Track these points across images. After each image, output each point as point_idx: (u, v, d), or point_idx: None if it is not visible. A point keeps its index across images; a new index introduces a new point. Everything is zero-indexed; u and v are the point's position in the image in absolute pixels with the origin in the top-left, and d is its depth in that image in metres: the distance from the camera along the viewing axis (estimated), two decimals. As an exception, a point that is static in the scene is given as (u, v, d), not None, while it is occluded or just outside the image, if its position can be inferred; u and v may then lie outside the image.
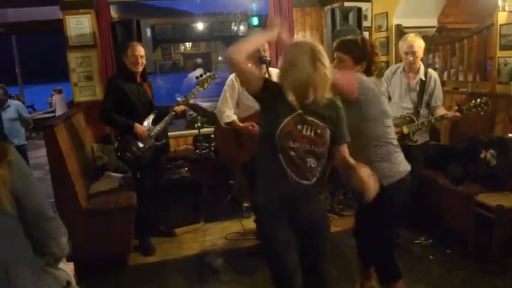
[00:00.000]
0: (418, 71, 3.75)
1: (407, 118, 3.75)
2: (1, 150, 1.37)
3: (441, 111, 3.69)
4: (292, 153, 1.99)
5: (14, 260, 1.39)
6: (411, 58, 3.67)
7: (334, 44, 2.48)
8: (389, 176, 2.43)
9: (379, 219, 2.53)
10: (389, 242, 2.69)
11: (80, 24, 5.07)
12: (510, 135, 3.58)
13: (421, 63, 3.77)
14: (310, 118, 2.02)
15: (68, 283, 1.62)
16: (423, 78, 3.73)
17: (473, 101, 3.48)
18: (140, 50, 3.78)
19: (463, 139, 4.09)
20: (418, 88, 3.74)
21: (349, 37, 2.52)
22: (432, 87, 3.75)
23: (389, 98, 3.97)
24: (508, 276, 3.19)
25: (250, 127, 3.69)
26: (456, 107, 3.57)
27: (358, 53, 2.40)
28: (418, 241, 3.82)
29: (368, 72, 2.44)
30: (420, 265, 3.45)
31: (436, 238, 3.82)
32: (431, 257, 3.57)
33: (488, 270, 3.28)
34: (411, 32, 4.29)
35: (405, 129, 3.74)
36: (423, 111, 3.77)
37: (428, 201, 4.04)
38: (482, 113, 3.49)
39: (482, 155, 3.63)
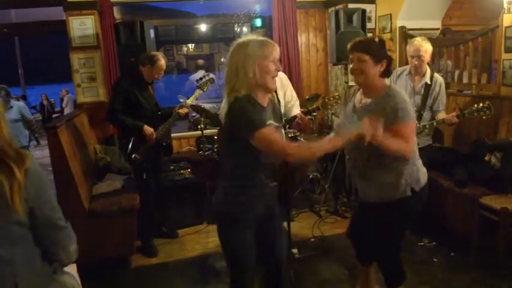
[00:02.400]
0: (424, 75, 3.75)
1: None
2: (20, 157, 1.37)
3: (442, 115, 3.68)
4: None
5: (23, 269, 1.38)
6: (417, 62, 3.66)
7: (350, 45, 2.38)
8: (420, 179, 2.47)
9: (399, 225, 2.56)
10: (400, 246, 2.67)
11: (83, 25, 5.08)
12: (515, 137, 3.57)
13: (427, 67, 3.76)
14: None
15: None
16: (429, 82, 3.72)
17: (475, 105, 3.46)
18: (165, 67, 3.88)
19: (467, 142, 4.07)
20: (422, 92, 3.74)
21: (365, 37, 2.46)
22: (437, 91, 3.74)
23: None
24: (513, 280, 3.17)
25: None
26: (459, 111, 3.55)
27: (377, 52, 2.31)
28: (422, 243, 3.81)
29: (387, 71, 2.38)
30: (424, 268, 3.43)
31: (440, 240, 3.80)
32: (435, 259, 3.55)
33: (492, 273, 3.25)
34: (416, 34, 4.29)
35: None
36: (426, 114, 3.76)
37: (433, 203, 3.99)
38: (484, 117, 3.48)
39: (486, 158, 3.61)
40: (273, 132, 1.94)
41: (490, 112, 3.39)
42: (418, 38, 3.73)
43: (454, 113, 3.55)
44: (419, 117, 3.74)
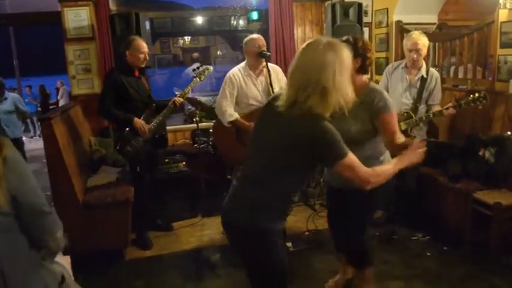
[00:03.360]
0: (420, 68, 3.75)
1: (405, 114, 3.75)
2: None
3: (437, 108, 3.69)
4: None
5: (9, 258, 1.37)
6: (415, 56, 3.67)
7: None
8: None
9: (364, 212, 2.67)
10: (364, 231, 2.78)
11: (78, 17, 5.05)
12: (509, 133, 3.58)
13: (423, 61, 3.77)
14: None
15: (63, 278, 1.61)
16: (425, 76, 3.73)
17: (471, 96, 3.47)
18: (146, 46, 3.80)
19: (462, 136, 4.09)
20: (418, 85, 3.75)
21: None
22: (433, 86, 3.75)
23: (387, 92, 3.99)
24: (505, 274, 3.19)
25: None
26: (455, 102, 3.55)
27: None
28: (416, 238, 3.83)
29: (363, 68, 2.47)
30: (417, 262, 3.46)
31: (434, 235, 3.82)
32: (428, 253, 3.58)
33: (485, 267, 3.28)
34: (412, 29, 4.27)
35: (403, 126, 3.73)
36: (422, 107, 3.77)
37: (426, 198, 4.04)
38: (480, 107, 3.48)
39: (480, 153, 3.63)
40: (356, 160, 1.84)
41: (486, 102, 3.39)
42: (416, 32, 3.74)
43: (450, 104, 3.55)
44: (415, 109, 3.75)
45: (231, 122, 3.74)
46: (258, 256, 1.99)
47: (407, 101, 3.79)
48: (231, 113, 3.73)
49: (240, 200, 1.97)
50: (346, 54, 1.81)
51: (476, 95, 3.41)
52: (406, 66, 3.83)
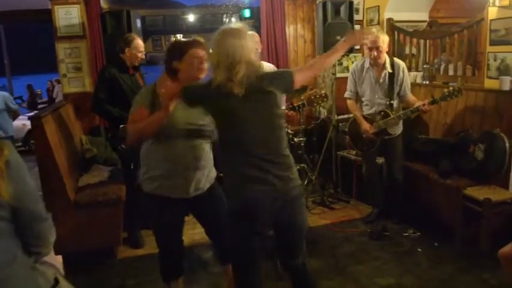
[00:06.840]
0: (384, 65, 3.77)
1: (382, 113, 3.78)
2: None
3: (411, 98, 3.74)
4: None
5: (3, 262, 1.34)
6: (376, 53, 3.68)
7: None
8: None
9: None
10: None
11: (68, 15, 5.01)
12: (498, 129, 3.61)
13: (386, 56, 3.78)
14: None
15: (56, 280, 1.59)
16: (390, 71, 3.74)
17: (446, 90, 3.52)
18: (143, 46, 3.86)
19: (452, 133, 4.12)
20: (387, 81, 3.75)
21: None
22: (401, 77, 3.76)
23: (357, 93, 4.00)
24: (495, 269, 3.22)
25: None
26: (431, 98, 3.59)
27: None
28: (407, 234, 3.86)
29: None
30: (408, 257, 3.48)
31: (425, 231, 3.85)
32: (419, 249, 3.60)
33: (475, 262, 3.32)
34: (403, 26, 4.28)
35: (382, 125, 3.77)
36: (396, 103, 3.79)
37: (417, 194, 4.07)
38: (456, 98, 3.53)
39: (470, 150, 3.66)
40: None
41: (461, 94, 3.46)
42: (374, 29, 3.76)
43: (427, 100, 3.58)
44: (391, 107, 3.76)
45: None
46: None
47: (381, 100, 3.81)
48: None
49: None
50: None
51: (451, 88, 3.48)
52: (370, 64, 3.84)
